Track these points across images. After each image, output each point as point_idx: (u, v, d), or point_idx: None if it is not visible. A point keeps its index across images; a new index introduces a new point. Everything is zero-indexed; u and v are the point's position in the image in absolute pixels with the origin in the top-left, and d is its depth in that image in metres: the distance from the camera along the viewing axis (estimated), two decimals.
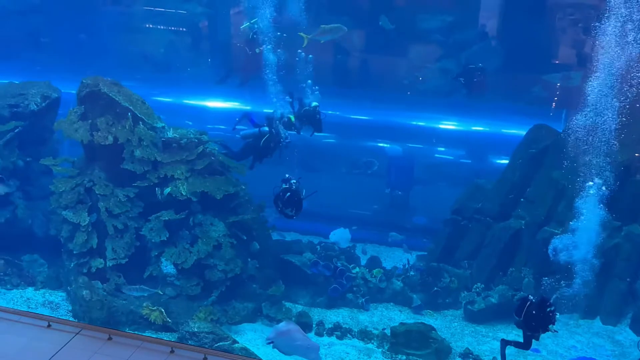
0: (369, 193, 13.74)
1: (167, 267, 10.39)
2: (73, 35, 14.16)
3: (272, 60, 10.81)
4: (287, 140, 10.73)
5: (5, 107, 11.32)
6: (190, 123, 12.81)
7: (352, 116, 14.59)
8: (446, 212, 12.20)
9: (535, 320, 8.14)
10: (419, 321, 10.30)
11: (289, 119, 10.96)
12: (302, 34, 11.39)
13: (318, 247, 12.08)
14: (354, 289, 11.30)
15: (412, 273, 11.63)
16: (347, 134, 14.19)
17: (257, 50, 11.41)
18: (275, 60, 10.81)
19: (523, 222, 11.31)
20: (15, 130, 11.22)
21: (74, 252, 10.42)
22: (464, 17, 13.98)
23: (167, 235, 10.39)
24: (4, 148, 11.15)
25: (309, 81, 11.25)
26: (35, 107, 11.41)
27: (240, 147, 11.24)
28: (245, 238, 10.79)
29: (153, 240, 10.39)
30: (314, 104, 11.14)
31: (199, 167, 10.63)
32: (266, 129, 10.86)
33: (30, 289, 10.97)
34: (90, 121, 10.60)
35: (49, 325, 8.98)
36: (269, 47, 10.91)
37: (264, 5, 10.95)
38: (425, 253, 12.44)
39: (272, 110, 10.99)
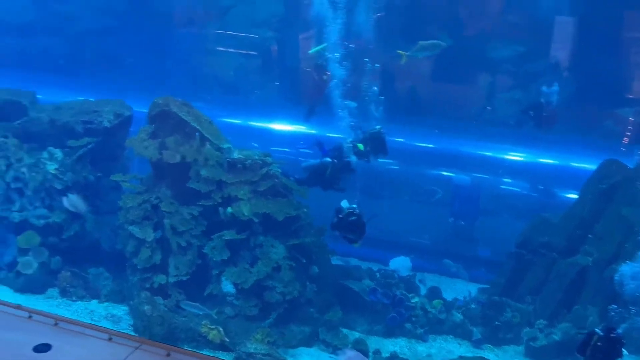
0: (432, 222, 13.59)
1: (227, 287, 10.47)
2: (147, 55, 14.58)
3: (339, 85, 10.88)
4: (351, 168, 10.74)
5: (80, 123, 11.69)
6: (256, 145, 12.98)
7: (418, 143, 14.51)
8: (510, 245, 11.94)
9: (602, 354, 7.68)
10: (478, 355, 10.06)
11: (358, 147, 10.95)
12: (400, 51, 11.39)
13: (377, 274, 11.98)
14: (413, 319, 11.14)
15: (473, 306, 11.40)
16: (411, 161, 14.11)
17: (324, 77, 11.52)
18: (342, 86, 10.88)
19: (590, 258, 10.95)
20: (88, 146, 11.57)
21: (138, 267, 10.61)
22: (536, 47, 13.79)
23: (228, 255, 10.48)
24: (76, 163, 11.50)
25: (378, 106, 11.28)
26: (108, 124, 11.74)
27: (304, 175, 11.28)
28: (304, 261, 10.80)
29: (214, 259, 10.49)
30: (378, 127, 11.15)
31: (262, 189, 10.73)
32: (328, 159, 10.89)
33: (94, 302, 11.21)
34: (159, 140, 10.88)
35: (110, 339, 9.14)
36: (336, 73, 11.00)
37: (333, 31, 11.06)
38: (488, 286, 12.18)
39: (340, 136, 11.04)
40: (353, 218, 9.52)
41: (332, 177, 10.79)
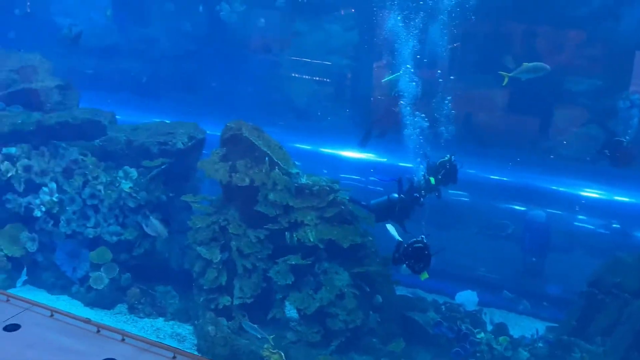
0: (501, 256, 13.29)
1: (290, 311, 10.47)
2: (222, 79, 14.89)
3: (410, 115, 10.84)
4: (421, 202, 10.64)
5: (155, 144, 12.01)
6: (325, 171, 13.02)
7: (489, 176, 14.27)
8: (582, 284, 11.54)
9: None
10: None
11: (429, 180, 10.84)
12: (502, 72, 11.28)
13: (443, 307, 11.77)
14: (478, 354, 10.86)
15: (540, 344, 11.05)
16: (482, 194, 13.88)
17: (395, 109, 11.49)
18: (415, 115, 10.84)
19: None
20: (162, 167, 11.86)
21: (204, 288, 10.75)
22: (614, 82, 13.40)
23: (293, 280, 10.50)
24: (150, 182, 11.80)
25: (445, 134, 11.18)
26: (182, 146, 12.02)
27: (374, 208, 11.21)
28: (368, 290, 10.71)
29: (279, 283, 10.52)
30: (448, 155, 11.03)
31: (329, 215, 10.73)
32: (395, 195, 10.81)
33: (160, 320, 11.40)
34: (230, 163, 11.05)
35: (174, 357, 9.23)
36: (408, 101, 10.97)
37: (407, 60, 11.05)
38: (556, 324, 11.79)
39: (409, 165, 10.97)
40: (419, 245, 9.40)
41: (401, 213, 10.70)
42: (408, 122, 11.11)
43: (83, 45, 14.29)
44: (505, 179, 14.41)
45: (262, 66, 15.58)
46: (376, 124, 14.33)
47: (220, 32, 14.99)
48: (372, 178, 12.94)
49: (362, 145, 13.68)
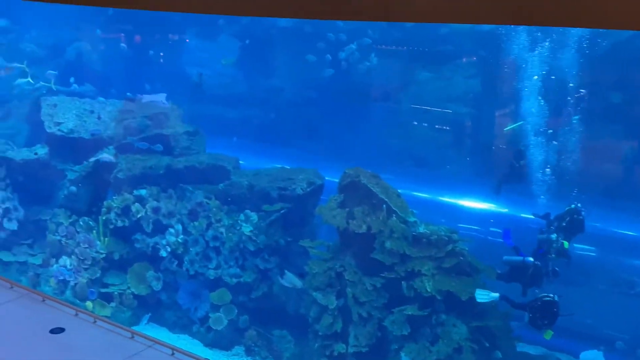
0: (630, 315, 12.49)
1: None
2: (342, 126, 15.11)
3: (534, 166, 10.57)
4: (555, 270, 10.20)
5: (275, 189, 12.29)
6: (444, 220, 12.82)
7: (618, 230, 13.54)
8: None
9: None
10: None
11: (562, 244, 10.41)
12: None
13: None
14: None
15: None
16: (610, 249, 13.17)
17: (521, 162, 11.24)
18: (538, 167, 10.56)
19: None
20: (281, 211, 12.09)
21: (319, 334, 10.77)
22: None
23: (409, 330, 10.33)
24: (269, 226, 12.05)
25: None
26: (301, 191, 12.22)
27: (504, 269, 10.87)
28: (487, 345, 10.35)
29: (394, 333, 10.38)
30: (574, 205, 10.59)
31: (447, 266, 10.53)
32: (531, 259, 10.42)
33: None
34: (348, 209, 11.12)
35: None
36: (532, 151, 10.71)
37: (530, 109, 10.82)
38: None
39: (531, 216, 10.63)
40: (548, 300, 9.02)
41: (534, 279, 10.29)
42: (531, 172, 10.81)
43: (211, 93, 14.98)
44: (635, 233, 13.62)
45: (382, 114, 15.71)
46: (498, 174, 14.01)
47: (340, 80, 15.27)
48: (491, 229, 12.58)
49: (496, 192, 13.39)
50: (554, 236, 10.46)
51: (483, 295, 9.90)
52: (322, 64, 14.95)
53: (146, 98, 13.87)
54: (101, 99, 14.88)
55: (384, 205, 10.84)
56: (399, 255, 10.63)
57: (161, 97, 13.49)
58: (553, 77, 12.40)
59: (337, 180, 11.60)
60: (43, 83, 14.82)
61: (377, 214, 10.84)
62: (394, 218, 10.79)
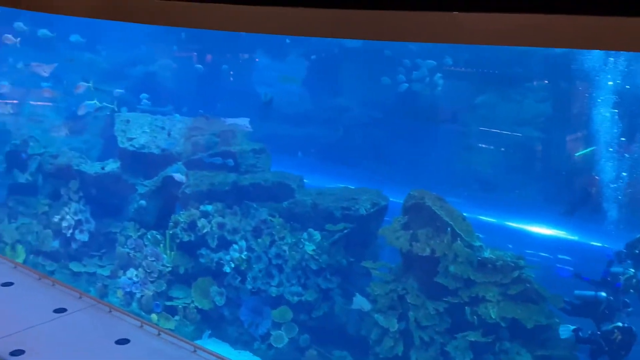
0: None
1: None
2: (407, 147, 15.04)
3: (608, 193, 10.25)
4: (625, 302, 9.82)
5: (339, 209, 12.29)
6: (510, 246, 12.56)
7: None
8: None
9: None
10: None
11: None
12: None
13: None
14: None
15: None
16: None
17: (593, 190, 10.95)
18: (613, 194, 10.24)
19: None
20: (344, 231, 12.08)
21: (380, 356, 10.68)
22: None
23: (471, 357, 10.13)
24: (332, 246, 12.05)
25: None
26: (364, 212, 12.19)
27: (575, 303, 10.55)
28: None
29: (457, 359, 10.20)
30: None
31: (512, 292, 10.29)
32: (603, 294, 10.07)
33: None
34: (411, 231, 11.03)
35: None
36: (604, 177, 10.41)
37: (603, 134, 10.54)
38: None
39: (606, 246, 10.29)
40: (626, 328, 8.70)
41: (604, 316, 9.93)
42: (604, 199, 10.49)
43: (278, 112, 15.16)
44: None
45: (449, 136, 15.57)
46: (579, 199, 13.64)
47: (407, 101, 15.23)
48: (560, 256, 12.24)
49: (570, 213, 13.05)
50: (631, 271, 10.03)
51: (566, 332, 9.56)
52: (389, 84, 14.95)
53: (229, 121, 14.12)
54: (174, 115, 15.24)
55: (449, 229, 10.71)
56: (463, 280, 10.47)
57: (244, 122, 13.71)
58: (629, 100, 12.06)
59: (401, 202, 11.51)
60: (106, 104, 15.30)
61: (441, 237, 10.72)
62: (459, 242, 10.64)
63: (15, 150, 15.52)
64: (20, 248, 14.33)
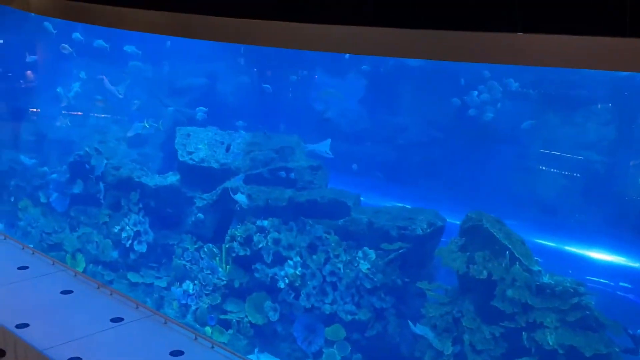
0: None
1: None
2: (466, 168, 14.87)
3: None
4: None
5: (395, 228, 12.22)
6: (570, 272, 12.27)
7: None
8: None
9: None
10: None
11: None
12: None
13: None
14: None
15: None
16: None
17: None
18: None
19: None
20: (399, 251, 12.00)
21: None
22: None
23: None
24: (387, 265, 11.98)
25: None
26: (421, 232, 12.08)
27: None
28: None
29: None
30: None
31: (571, 319, 10.06)
32: None
33: None
34: (468, 253, 10.90)
35: None
36: None
37: None
38: None
39: None
40: None
41: None
42: None
43: (336, 129, 15.20)
44: None
45: (508, 157, 15.32)
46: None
47: (467, 121, 15.08)
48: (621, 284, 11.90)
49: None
50: None
51: None
52: (448, 103, 14.84)
53: (310, 147, 14.23)
54: (234, 130, 15.44)
55: (507, 252, 10.54)
56: (521, 305, 10.28)
57: (325, 147, 13.82)
58: None
59: (458, 223, 11.40)
60: (154, 124, 15.62)
61: (499, 260, 10.56)
62: (517, 266, 10.47)
63: (78, 160, 15.94)
64: (80, 257, 14.69)
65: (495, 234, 10.70)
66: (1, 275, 13.27)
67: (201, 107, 16.41)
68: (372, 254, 12.09)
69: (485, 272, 10.51)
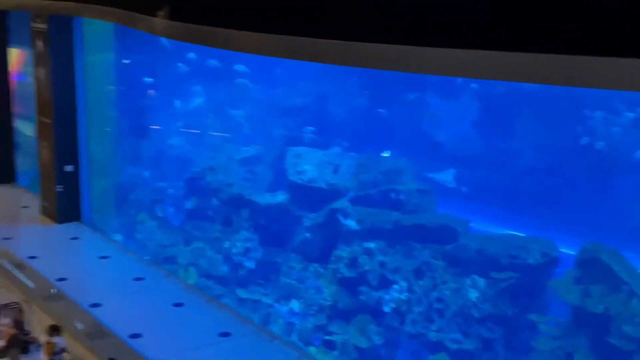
0: None
1: None
2: (585, 198, 14.27)
3: None
4: None
5: (506, 256, 11.89)
6: None
7: None
8: None
9: None
10: None
11: None
12: None
13: None
14: None
15: None
16: None
17: None
18: None
19: None
20: (510, 280, 11.65)
21: None
22: None
23: None
24: (496, 295, 11.66)
25: None
26: (533, 262, 11.70)
27: None
28: None
29: None
30: None
31: None
32: None
33: None
34: (584, 286, 10.47)
35: None
36: None
37: None
38: None
39: None
40: None
41: None
42: None
43: (448, 153, 14.99)
44: None
45: (629, 188, 14.60)
46: None
47: (585, 149, 14.51)
48: None
49: None
50: None
51: None
52: (566, 131, 14.34)
53: (431, 175, 14.20)
54: (342, 151, 15.55)
55: (626, 286, 10.03)
56: (638, 342, 9.74)
57: (447, 176, 13.73)
58: None
59: (573, 254, 10.97)
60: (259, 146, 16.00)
61: (616, 295, 10.06)
62: (635, 301, 9.94)
63: (194, 177, 16.51)
64: (192, 270, 15.13)
65: (613, 267, 10.22)
66: (118, 286, 13.91)
67: (310, 127, 16.63)
68: (482, 282, 11.80)
69: (601, 306, 10.05)
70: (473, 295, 11.64)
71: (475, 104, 15.77)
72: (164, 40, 16.97)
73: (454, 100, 16.16)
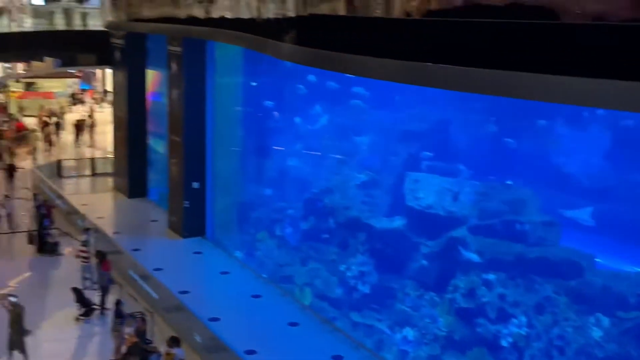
0: None
1: None
2: None
3: None
4: None
5: (635, 295, 11.24)
6: None
7: None
8: None
9: None
10: None
11: None
12: None
13: None
14: None
15: None
16: None
17: None
18: None
19: None
20: (636, 320, 10.99)
21: None
22: None
23: None
24: (622, 335, 11.02)
25: None
26: None
27: None
28: None
29: None
30: None
31: None
32: None
33: None
34: None
35: None
36: None
37: None
38: None
39: None
40: None
41: None
42: None
43: (574, 183, 14.35)
44: None
45: None
46: None
47: None
48: None
49: None
50: None
51: None
52: None
53: (568, 213, 13.77)
54: (463, 179, 15.26)
55: None
56: None
57: (585, 215, 13.30)
58: None
59: None
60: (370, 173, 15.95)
61: None
62: None
63: (313, 198, 16.71)
64: (307, 291, 15.30)
65: None
66: (236, 302, 14.29)
67: (428, 153, 16.44)
68: (606, 321, 11.21)
69: None
70: (597, 334, 11.07)
71: (606, 133, 15.07)
72: (287, 64, 17.41)
73: (583, 130, 15.51)
